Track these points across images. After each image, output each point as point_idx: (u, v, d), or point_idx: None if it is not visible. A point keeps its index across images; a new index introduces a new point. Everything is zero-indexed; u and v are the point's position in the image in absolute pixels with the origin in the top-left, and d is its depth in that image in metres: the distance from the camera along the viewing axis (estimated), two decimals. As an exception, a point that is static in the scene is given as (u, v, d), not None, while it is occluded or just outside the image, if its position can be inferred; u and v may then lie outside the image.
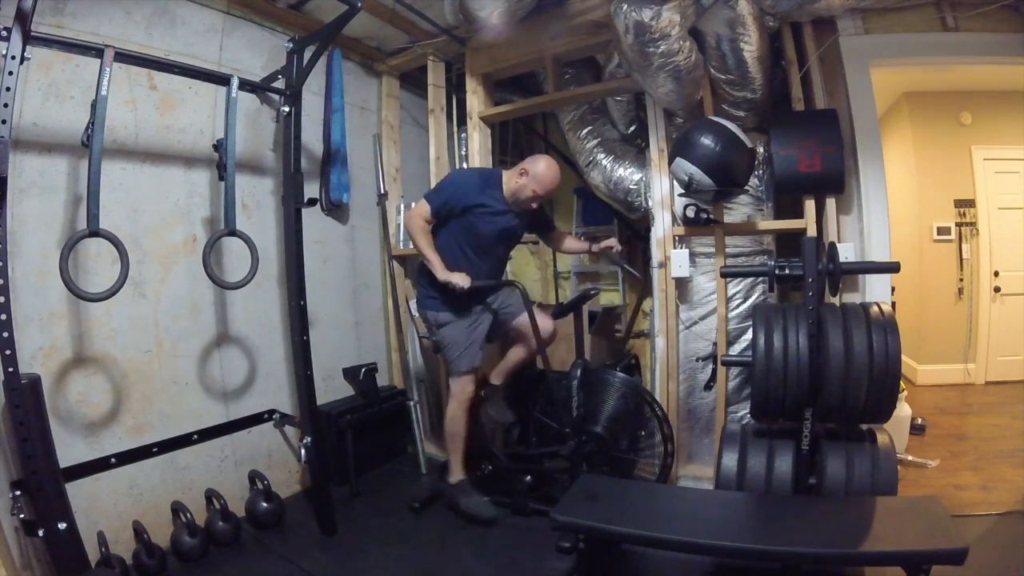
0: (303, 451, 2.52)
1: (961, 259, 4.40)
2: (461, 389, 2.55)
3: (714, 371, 2.63)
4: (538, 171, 2.41)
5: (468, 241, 2.46)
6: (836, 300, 2.28)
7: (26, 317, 1.94)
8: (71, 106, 2.05)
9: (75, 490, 1.94)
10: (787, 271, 2.04)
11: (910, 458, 2.83)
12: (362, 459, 2.98)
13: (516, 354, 2.68)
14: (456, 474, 2.62)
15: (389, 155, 3.46)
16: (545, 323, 2.56)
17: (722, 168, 2.24)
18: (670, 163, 2.42)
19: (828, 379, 1.91)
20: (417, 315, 3.39)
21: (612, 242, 2.68)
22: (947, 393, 4.18)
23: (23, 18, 1.62)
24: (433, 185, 3.25)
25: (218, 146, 2.30)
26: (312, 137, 2.97)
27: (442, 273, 2.38)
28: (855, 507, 1.84)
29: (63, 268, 1.76)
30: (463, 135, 3.48)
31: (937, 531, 1.56)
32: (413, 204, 3.33)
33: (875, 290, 2.41)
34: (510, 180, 2.47)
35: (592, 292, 2.83)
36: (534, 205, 2.49)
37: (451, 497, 2.61)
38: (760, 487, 2.03)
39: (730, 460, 2.11)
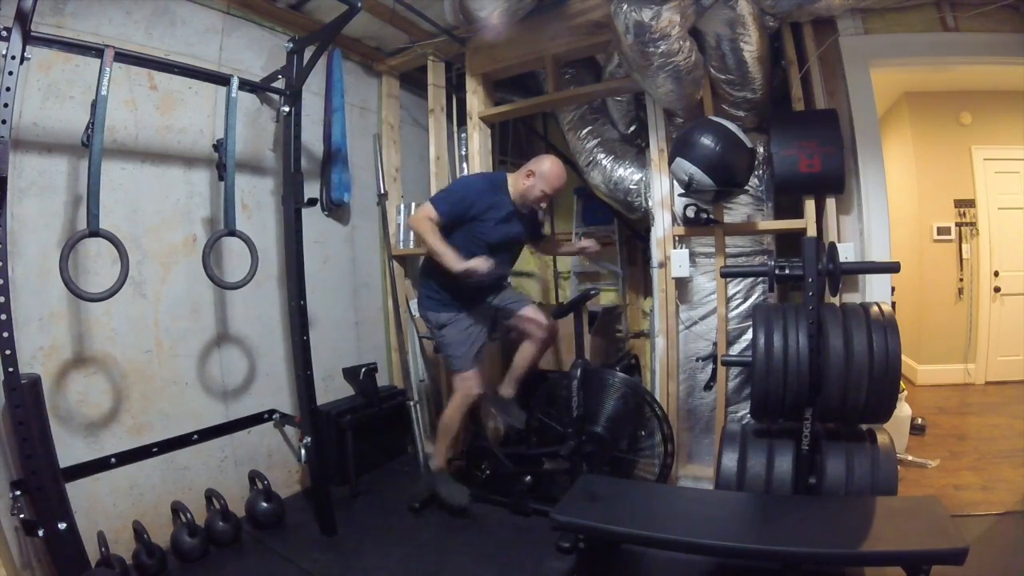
0: (303, 451, 2.52)
1: (961, 259, 4.40)
2: (467, 389, 2.56)
3: (714, 371, 2.63)
4: (545, 170, 2.42)
5: (478, 246, 2.43)
6: (836, 300, 2.28)
7: (26, 317, 1.94)
8: (71, 106, 2.05)
9: (75, 490, 1.94)
10: (787, 271, 2.04)
11: (910, 458, 2.83)
12: (362, 459, 2.98)
13: (523, 356, 2.67)
14: (439, 462, 2.71)
15: (389, 155, 3.46)
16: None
17: (722, 168, 2.24)
18: (670, 163, 2.42)
19: (828, 379, 1.91)
20: (418, 315, 3.40)
21: (589, 243, 2.74)
22: (947, 393, 4.17)
23: (23, 18, 1.62)
24: (433, 185, 3.27)
25: (218, 146, 2.30)
26: (312, 137, 2.97)
27: (458, 264, 2.30)
28: (855, 507, 1.83)
29: (63, 268, 1.76)
30: (463, 135, 3.48)
31: (937, 531, 1.56)
32: (414, 205, 3.36)
33: (875, 290, 2.41)
34: (517, 182, 2.48)
35: (592, 292, 2.83)
36: (543, 205, 2.51)
37: (431, 483, 2.71)
38: (760, 487, 2.03)
39: (730, 460, 2.11)
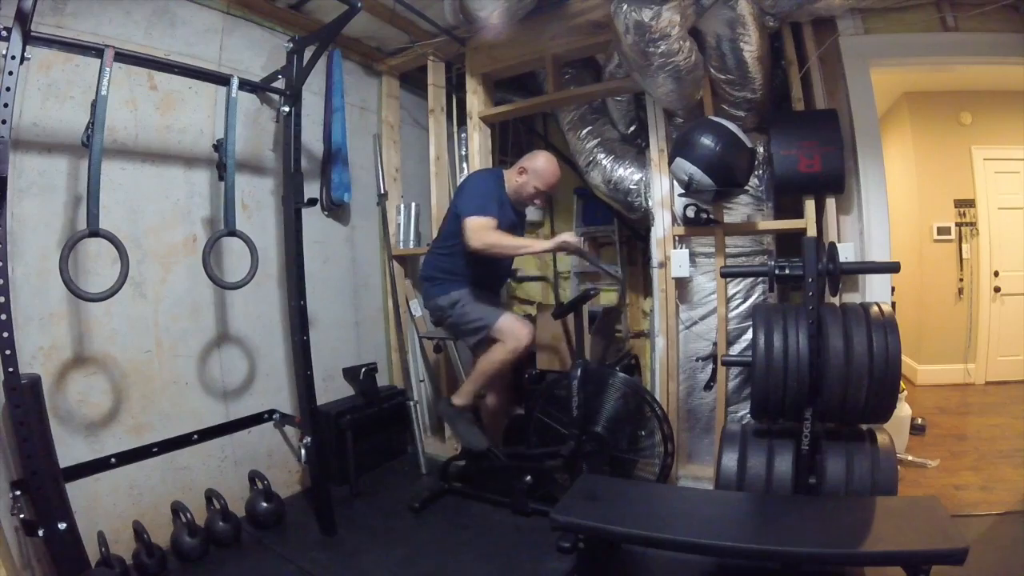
0: (303, 451, 2.52)
1: (961, 259, 4.40)
2: (516, 336, 2.38)
3: (714, 371, 2.63)
4: (538, 167, 2.41)
5: None
6: (836, 300, 2.28)
7: (26, 317, 1.94)
8: (71, 106, 2.05)
9: (75, 490, 1.94)
10: (787, 271, 2.03)
11: (910, 458, 2.83)
12: (362, 459, 2.97)
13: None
14: (463, 398, 2.59)
15: (389, 155, 3.46)
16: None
17: (722, 168, 2.24)
18: (670, 163, 2.42)
19: (828, 379, 1.91)
20: (418, 315, 3.40)
21: (566, 236, 2.38)
22: (947, 393, 4.17)
23: (23, 18, 1.62)
24: (433, 185, 3.27)
25: (218, 146, 2.30)
26: (312, 137, 2.97)
27: (546, 242, 2.40)
28: (855, 507, 1.83)
29: (63, 268, 1.76)
30: (463, 135, 3.48)
31: (937, 531, 1.56)
32: (415, 205, 3.36)
33: (875, 290, 2.41)
34: (511, 179, 2.48)
35: (592, 292, 2.83)
36: (537, 202, 2.49)
37: (449, 415, 2.60)
38: (760, 487, 2.03)
39: (730, 460, 2.10)
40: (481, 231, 2.31)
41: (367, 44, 3.24)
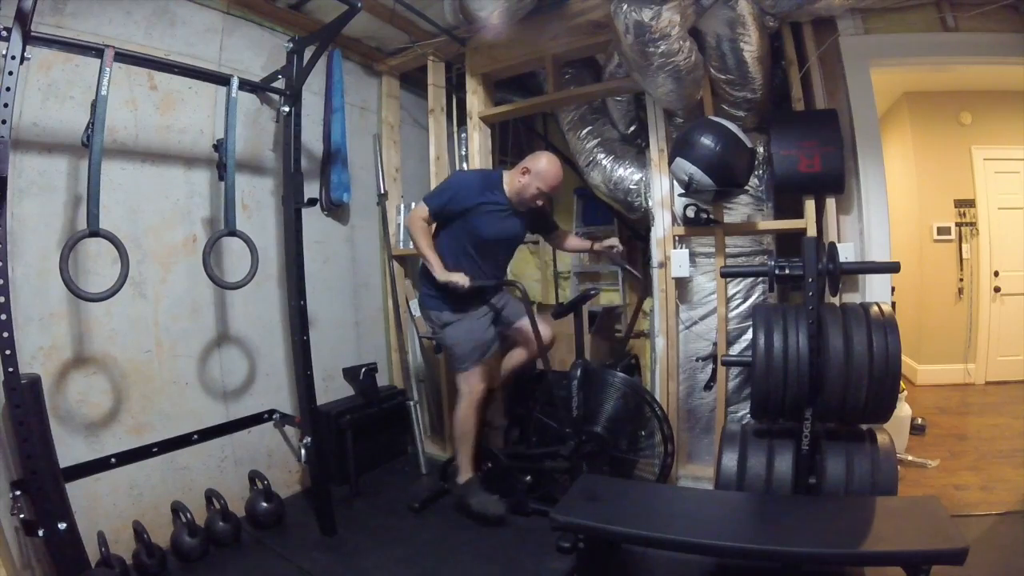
0: (303, 451, 2.52)
1: (961, 259, 4.40)
2: (470, 388, 2.53)
3: (714, 371, 2.63)
4: (540, 168, 2.41)
5: (470, 242, 2.46)
6: (836, 300, 2.28)
7: (26, 317, 1.94)
8: (71, 106, 2.05)
9: (75, 490, 1.94)
10: (787, 271, 2.03)
11: (910, 458, 2.83)
12: (362, 459, 2.97)
13: (512, 360, 2.67)
14: (465, 473, 2.61)
15: (389, 155, 3.46)
16: (546, 329, 2.55)
17: (722, 168, 2.24)
18: (670, 163, 2.42)
19: (828, 379, 1.91)
20: (418, 315, 3.40)
21: (613, 241, 2.69)
22: (947, 393, 4.17)
23: (23, 18, 1.61)
24: (434, 186, 3.27)
25: (218, 146, 2.30)
26: (312, 137, 2.97)
27: (441, 274, 2.38)
28: (855, 507, 1.83)
29: (63, 268, 1.76)
30: (463, 135, 3.48)
31: (937, 531, 1.56)
32: (413, 205, 3.36)
33: (875, 290, 2.41)
34: (512, 180, 2.47)
35: (592, 292, 2.84)
36: (539, 202, 2.49)
37: (461, 497, 2.58)
38: (760, 487, 2.03)
39: (730, 460, 2.10)
40: (413, 218, 2.47)
41: (367, 44, 3.24)
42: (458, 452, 2.64)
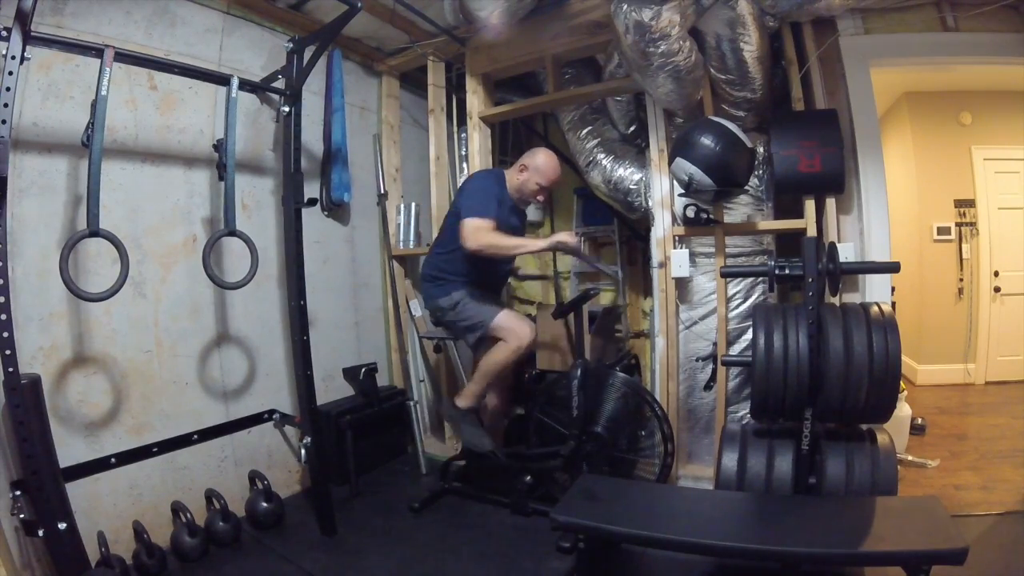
0: (303, 451, 2.52)
1: (961, 259, 4.40)
2: (518, 336, 2.39)
3: (714, 371, 2.63)
4: (538, 163, 2.43)
5: None
6: (836, 300, 2.28)
7: (26, 317, 1.94)
8: (71, 106, 2.05)
9: (75, 490, 1.94)
10: (787, 271, 2.03)
11: (910, 458, 2.83)
12: (362, 459, 2.98)
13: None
14: (467, 400, 2.58)
15: (389, 155, 3.46)
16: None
17: (722, 168, 2.24)
18: (670, 163, 2.42)
19: (828, 379, 1.91)
20: (418, 315, 3.40)
21: (561, 236, 2.38)
22: (947, 393, 4.18)
23: (23, 18, 1.62)
24: (433, 186, 3.27)
25: (218, 146, 2.30)
26: (312, 137, 2.97)
27: (541, 241, 2.40)
28: (855, 507, 1.83)
29: (63, 268, 1.76)
30: (463, 135, 3.48)
31: (937, 531, 1.56)
32: (415, 205, 3.37)
33: (875, 290, 2.41)
34: (512, 178, 2.49)
35: (592, 292, 2.83)
36: (540, 198, 2.50)
37: (453, 417, 2.58)
38: (760, 487, 2.03)
39: (730, 460, 2.10)
40: (478, 232, 2.32)
41: (367, 44, 3.24)
42: (471, 380, 2.59)
